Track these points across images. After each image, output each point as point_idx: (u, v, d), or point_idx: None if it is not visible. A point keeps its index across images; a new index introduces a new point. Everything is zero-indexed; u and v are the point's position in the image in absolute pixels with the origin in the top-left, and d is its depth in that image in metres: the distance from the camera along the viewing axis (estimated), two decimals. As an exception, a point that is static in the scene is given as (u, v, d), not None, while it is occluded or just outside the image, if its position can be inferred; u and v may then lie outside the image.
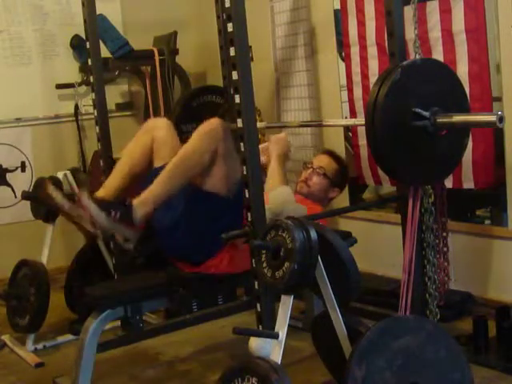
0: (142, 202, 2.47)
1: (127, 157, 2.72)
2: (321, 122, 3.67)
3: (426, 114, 2.38)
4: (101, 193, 2.56)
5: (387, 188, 3.85)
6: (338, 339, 2.19)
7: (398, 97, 2.37)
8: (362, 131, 3.29)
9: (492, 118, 2.29)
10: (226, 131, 2.53)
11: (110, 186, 2.62)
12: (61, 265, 4.02)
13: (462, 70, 2.96)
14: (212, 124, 2.51)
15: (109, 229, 2.43)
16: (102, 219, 2.39)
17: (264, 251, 2.14)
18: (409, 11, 2.71)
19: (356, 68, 3.52)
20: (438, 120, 2.40)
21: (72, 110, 4.54)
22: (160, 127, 2.76)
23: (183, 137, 3.52)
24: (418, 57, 2.70)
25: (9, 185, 4.44)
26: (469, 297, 3.29)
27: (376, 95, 2.36)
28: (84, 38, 3.38)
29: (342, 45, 3.67)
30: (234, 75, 2.36)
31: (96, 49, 3.33)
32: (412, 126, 2.38)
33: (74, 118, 4.54)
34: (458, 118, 2.43)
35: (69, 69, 4.53)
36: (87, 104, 4.46)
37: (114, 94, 4.67)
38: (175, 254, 2.65)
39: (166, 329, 3.12)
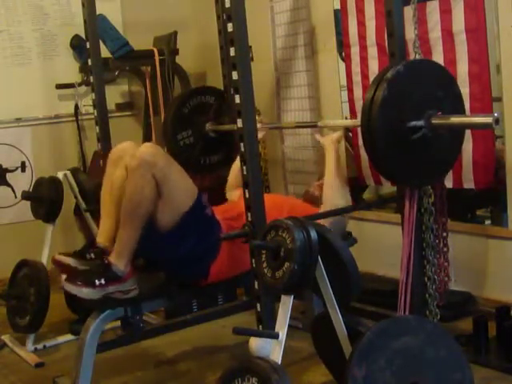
0: (118, 254, 2.47)
1: (109, 195, 2.61)
2: (316, 122, 3.66)
3: (421, 122, 2.38)
4: (100, 240, 2.53)
5: (387, 188, 3.85)
6: (337, 339, 2.19)
7: (391, 103, 2.36)
8: (362, 131, 3.28)
9: (488, 119, 2.27)
10: (156, 155, 2.47)
11: (105, 233, 2.56)
12: (61, 265, 4.01)
13: (462, 70, 2.96)
14: (137, 157, 2.46)
15: (105, 295, 2.43)
16: (92, 294, 2.40)
17: (264, 251, 2.14)
18: (409, 11, 2.71)
19: (356, 68, 3.52)
20: (434, 122, 2.39)
21: (72, 110, 4.54)
22: (127, 152, 2.62)
23: (181, 144, 3.55)
24: (418, 57, 2.70)
25: (9, 185, 4.44)
26: (469, 297, 3.28)
27: (371, 99, 2.36)
28: (84, 37, 3.38)
29: (342, 45, 3.66)
30: (234, 75, 2.36)
31: (96, 49, 3.33)
32: (409, 135, 2.39)
33: (74, 118, 4.55)
34: (454, 120, 2.42)
35: (69, 69, 4.53)
36: (87, 104, 4.46)
37: (114, 94, 4.67)
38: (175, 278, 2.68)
39: (166, 329, 3.12)
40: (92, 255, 2.46)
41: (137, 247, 2.50)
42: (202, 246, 2.58)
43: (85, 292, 2.39)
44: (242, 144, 2.38)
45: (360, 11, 3.45)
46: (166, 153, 2.55)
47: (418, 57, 2.70)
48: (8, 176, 4.44)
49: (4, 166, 4.43)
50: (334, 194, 2.89)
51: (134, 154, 2.49)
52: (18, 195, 4.12)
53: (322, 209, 2.90)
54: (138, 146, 2.67)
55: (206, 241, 2.58)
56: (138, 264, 2.56)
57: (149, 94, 4.46)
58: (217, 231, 2.60)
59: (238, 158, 2.47)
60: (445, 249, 2.81)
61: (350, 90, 3.59)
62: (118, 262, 2.46)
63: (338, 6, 3.66)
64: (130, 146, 2.66)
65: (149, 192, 2.44)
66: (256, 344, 2.27)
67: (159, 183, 2.45)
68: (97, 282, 2.41)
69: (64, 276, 2.41)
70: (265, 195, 2.47)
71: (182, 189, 2.54)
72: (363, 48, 3.46)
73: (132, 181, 2.45)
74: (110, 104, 4.15)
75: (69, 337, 3.40)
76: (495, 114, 2.24)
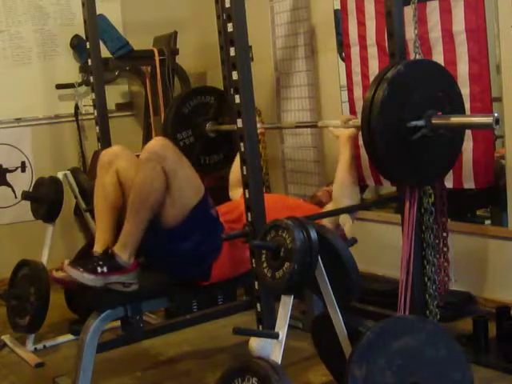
0: (123, 245, 2.47)
1: (102, 201, 2.59)
2: (317, 122, 3.67)
3: (421, 122, 2.38)
4: (97, 249, 2.51)
5: (387, 188, 3.85)
6: (338, 339, 2.19)
7: (391, 103, 2.37)
8: (362, 131, 3.28)
9: (488, 120, 2.27)
10: (166, 148, 2.49)
11: (102, 241, 2.53)
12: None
13: (462, 70, 2.96)
14: (148, 149, 2.47)
15: (104, 284, 2.44)
16: (93, 281, 2.40)
17: (264, 251, 2.14)
18: (409, 11, 2.72)
19: (356, 68, 3.52)
20: (434, 122, 2.39)
21: (72, 110, 4.54)
22: (117, 156, 2.61)
23: (181, 144, 3.55)
24: (418, 57, 2.70)
25: (9, 185, 4.44)
26: (469, 297, 3.28)
27: (371, 99, 2.36)
28: (84, 37, 3.38)
29: (342, 45, 3.66)
30: (234, 75, 2.36)
31: (96, 49, 3.33)
32: (409, 135, 2.39)
33: (74, 118, 4.55)
34: (454, 120, 2.42)
35: (69, 69, 4.53)
36: (87, 104, 4.47)
37: (114, 93, 4.67)
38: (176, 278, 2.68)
39: (166, 329, 3.12)
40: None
41: (140, 242, 2.50)
42: (205, 245, 2.58)
43: (86, 278, 2.38)
44: (241, 144, 2.38)
45: (360, 11, 3.45)
46: (175, 147, 2.55)
47: (418, 57, 2.70)
48: (8, 176, 4.44)
49: (4, 166, 4.42)
50: (344, 192, 2.86)
51: (147, 146, 2.49)
52: (18, 195, 4.12)
53: (331, 206, 2.89)
54: (128, 149, 2.67)
55: (209, 241, 2.58)
56: (139, 262, 2.55)
57: (149, 94, 4.46)
58: (220, 232, 2.60)
59: (238, 156, 2.47)
60: (445, 249, 2.81)
61: (350, 90, 3.59)
62: (122, 252, 2.46)
63: (338, 6, 3.66)
64: (119, 150, 2.65)
65: (158, 185, 2.44)
66: (256, 344, 2.27)
67: (168, 177, 2.45)
68: (99, 269, 2.41)
69: (67, 261, 2.41)
70: (265, 195, 2.47)
71: (190, 184, 2.54)
72: (363, 48, 3.46)
73: (142, 173, 2.45)
74: (110, 104, 4.15)
75: (69, 337, 3.40)
76: (495, 114, 2.24)
